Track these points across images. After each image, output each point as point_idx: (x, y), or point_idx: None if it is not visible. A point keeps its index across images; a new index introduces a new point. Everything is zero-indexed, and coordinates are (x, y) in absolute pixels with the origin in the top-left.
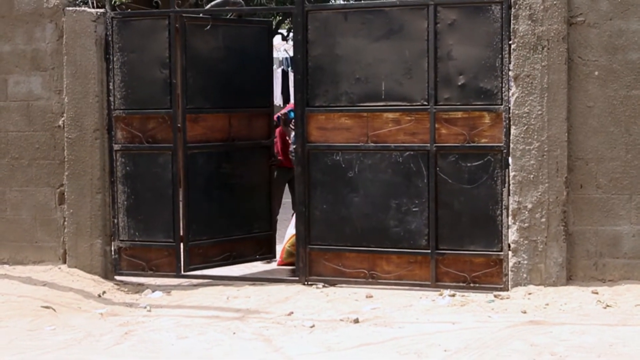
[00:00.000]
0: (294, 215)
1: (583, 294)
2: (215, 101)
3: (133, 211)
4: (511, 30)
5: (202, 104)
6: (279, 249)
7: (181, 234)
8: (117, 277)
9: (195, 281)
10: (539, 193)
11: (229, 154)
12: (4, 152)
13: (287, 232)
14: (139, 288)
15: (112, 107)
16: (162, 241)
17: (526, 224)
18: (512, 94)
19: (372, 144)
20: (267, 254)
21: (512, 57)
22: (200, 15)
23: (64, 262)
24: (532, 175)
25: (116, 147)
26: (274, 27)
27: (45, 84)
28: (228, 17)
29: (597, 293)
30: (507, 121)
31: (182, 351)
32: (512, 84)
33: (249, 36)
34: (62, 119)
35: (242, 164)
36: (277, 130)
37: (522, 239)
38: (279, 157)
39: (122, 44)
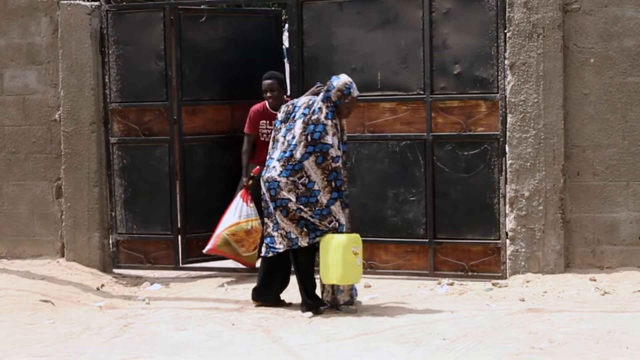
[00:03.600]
0: (233, 202)
1: (581, 281)
2: (215, 93)
3: (131, 204)
4: (506, 19)
5: (200, 96)
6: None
7: (179, 226)
8: (116, 270)
9: (193, 273)
10: (536, 181)
11: (231, 146)
12: (0, 146)
13: (225, 219)
14: (137, 281)
15: (108, 100)
16: (160, 234)
17: (523, 212)
18: (508, 82)
19: (369, 134)
20: None
21: (507, 45)
22: (202, 7)
23: (62, 256)
24: (529, 163)
25: (113, 140)
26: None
27: (41, 77)
28: (230, 7)
29: (595, 280)
30: (504, 109)
31: (181, 343)
32: (508, 72)
33: (254, 26)
34: (58, 112)
35: None
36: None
37: (519, 227)
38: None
39: (118, 37)
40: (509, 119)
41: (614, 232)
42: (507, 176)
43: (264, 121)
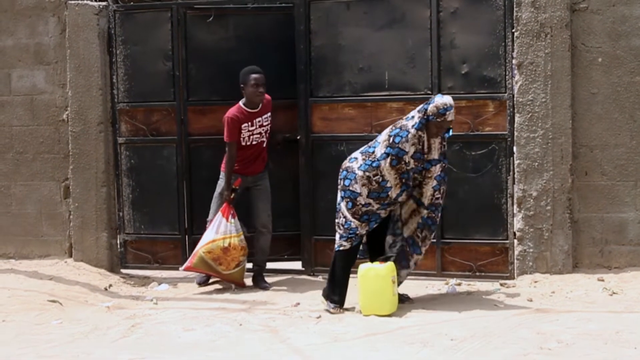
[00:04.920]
0: (212, 220)
1: (589, 282)
2: (225, 93)
3: (138, 204)
4: (514, 18)
5: (208, 96)
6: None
7: (186, 226)
8: (123, 270)
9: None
10: (544, 181)
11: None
12: (8, 146)
13: (205, 235)
14: (145, 281)
15: (115, 100)
16: (168, 234)
17: (531, 212)
18: (516, 82)
19: (377, 134)
20: (296, 254)
21: (515, 44)
22: (212, 6)
23: (70, 256)
24: (536, 163)
25: (120, 140)
26: None
27: (48, 77)
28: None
29: (603, 280)
30: (511, 109)
31: (188, 343)
32: (515, 71)
33: (267, 24)
34: (66, 112)
35: None
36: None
37: (527, 227)
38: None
39: (125, 37)
40: (516, 119)
41: (622, 232)
42: (515, 176)
43: (246, 124)
